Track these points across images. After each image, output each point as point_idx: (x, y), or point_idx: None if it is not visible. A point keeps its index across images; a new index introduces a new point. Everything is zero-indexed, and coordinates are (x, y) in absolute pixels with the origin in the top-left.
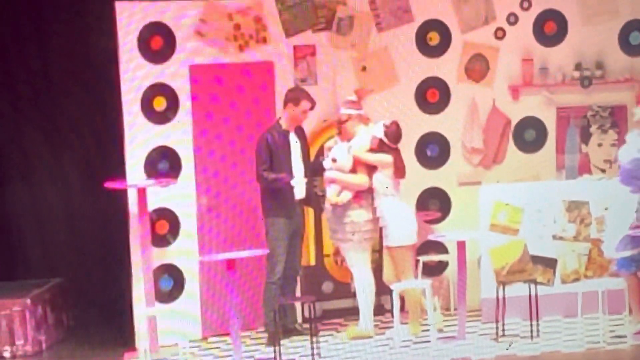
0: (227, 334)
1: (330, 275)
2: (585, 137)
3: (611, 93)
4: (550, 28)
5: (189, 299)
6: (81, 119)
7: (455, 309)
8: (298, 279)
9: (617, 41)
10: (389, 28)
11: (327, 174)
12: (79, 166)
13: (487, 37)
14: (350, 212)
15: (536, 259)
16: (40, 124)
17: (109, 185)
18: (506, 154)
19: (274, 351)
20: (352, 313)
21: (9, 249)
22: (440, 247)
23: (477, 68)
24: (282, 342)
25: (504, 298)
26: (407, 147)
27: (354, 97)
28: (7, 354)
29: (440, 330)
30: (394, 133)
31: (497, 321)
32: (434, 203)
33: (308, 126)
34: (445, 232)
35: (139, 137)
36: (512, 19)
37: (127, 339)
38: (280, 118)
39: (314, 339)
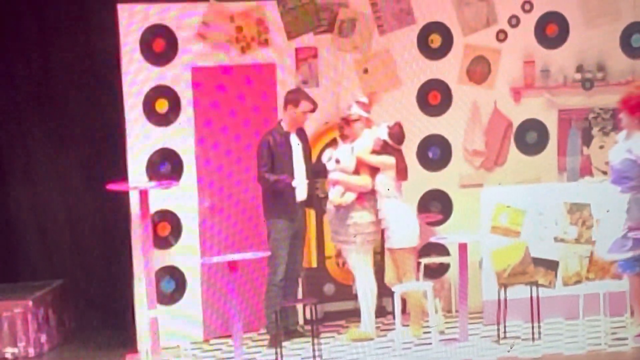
0: (229, 336)
1: (332, 277)
2: (587, 139)
3: (613, 95)
4: (552, 30)
5: (191, 300)
6: (83, 121)
7: (456, 311)
8: (300, 280)
9: (619, 43)
10: (391, 30)
11: (331, 175)
12: (82, 168)
13: (489, 39)
14: (353, 214)
15: (538, 261)
16: (43, 126)
17: (111, 187)
18: (508, 156)
19: (276, 353)
20: (354, 315)
21: (11, 250)
22: (442, 249)
23: (479, 70)
24: (283, 344)
25: (505, 300)
26: (409, 149)
27: (365, 100)
28: (9, 356)
29: (442, 333)
30: (398, 134)
31: (498, 323)
32: (435, 205)
33: (310, 128)
34: (446, 234)
35: (141, 139)
36: (514, 21)
37: (128, 341)
38: (281, 120)
39: (316, 341)
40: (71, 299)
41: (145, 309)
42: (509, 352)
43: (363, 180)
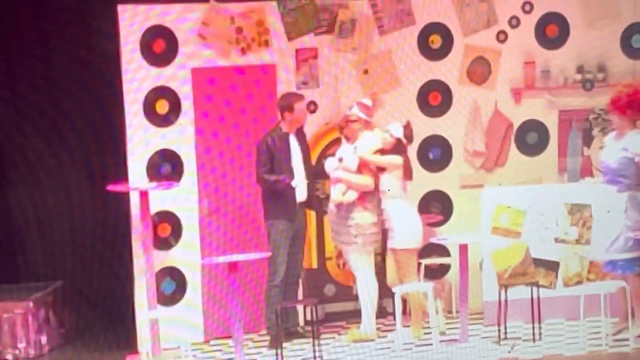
0: (229, 337)
1: (332, 278)
2: (588, 140)
3: None
4: (552, 31)
5: (191, 301)
6: (84, 122)
7: (457, 312)
8: (300, 281)
9: (619, 44)
10: (391, 31)
11: (334, 174)
12: (82, 169)
13: (489, 40)
14: (355, 215)
15: (538, 262)
16: (43, 127)
17: (112, 188)
18: (508, 157)
19: (276, 354)
20: (354, 316)
21: (11, 251)
22: (442, 250)
23: (479, 71)
24: (284, 345)
25: (506, 301)
26: (410, 150)
27: (369, 102)
28: (9, 357)
29: (443, 333)
30: (410, 133)
31: (499, 324)
32: (436, 206)
33: (310, 129)
34: (447, 235)
35: (142, 140)
36: (514, 22)
37: (129, 342)
38: (280, 121)
39: (316, 342)
40: (71, 300)
41: (145, 310)
42: (509, 352)
43: (366, 180)
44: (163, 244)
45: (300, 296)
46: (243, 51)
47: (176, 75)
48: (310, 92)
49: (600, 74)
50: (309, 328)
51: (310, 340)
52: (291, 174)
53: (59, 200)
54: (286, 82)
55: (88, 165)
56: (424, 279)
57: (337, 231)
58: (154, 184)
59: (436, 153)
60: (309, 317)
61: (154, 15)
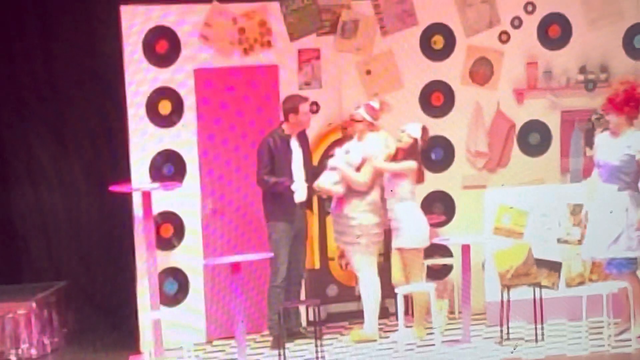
0: (232, 337)
1: (335, 279)
2: (590, 140)
3: None
4: (555, 31)
5: (194, 302)
6: (86, 123)
7: (459, 313)
8: (302, 282)
9: (622, 44)
10: (393, 32)
11: (333, 161)
12: (84, 170)
13: (492, 40)
14: (358, 215)
15: (541, 263)
16: (46, 128)
17: (114, 188)
18: (510, 158)
19: (279, 354)
20: (357, 316)
21: (14, 252)
22: (445, 251)
23: (482, 71)
24: (286, 345)
25: (508, 301)
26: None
27: (377, 105)
28: (12, 357)
29: (441, 334)
30: (427, 138)
31: (501, 324)
32: (438, 206)
33: (312, 129)
34: (449, 235)
35: (144, 140)
36: (517, 23)
37: (131, 343)
38: (283, 122)
39: (319, 342)
40: (74, 301)
41: (148, 310)
42: (512, 353)
43: (360, 177)
44: (166, 244)
45: (302, 296)
46: (245, 52)
47: (179, 76)
48: (313, 92)
49: (603, 74)
50: (311, 328)
51: (313, 340)
52: (291, 176)
53: (62, 200)
54: (288, 82)
55: (91, 166)
56: (427, 279)
57: (340, 231)
58: (157, 184)
59: (438, 153)
60: (311, 318)
61: (157, 15)
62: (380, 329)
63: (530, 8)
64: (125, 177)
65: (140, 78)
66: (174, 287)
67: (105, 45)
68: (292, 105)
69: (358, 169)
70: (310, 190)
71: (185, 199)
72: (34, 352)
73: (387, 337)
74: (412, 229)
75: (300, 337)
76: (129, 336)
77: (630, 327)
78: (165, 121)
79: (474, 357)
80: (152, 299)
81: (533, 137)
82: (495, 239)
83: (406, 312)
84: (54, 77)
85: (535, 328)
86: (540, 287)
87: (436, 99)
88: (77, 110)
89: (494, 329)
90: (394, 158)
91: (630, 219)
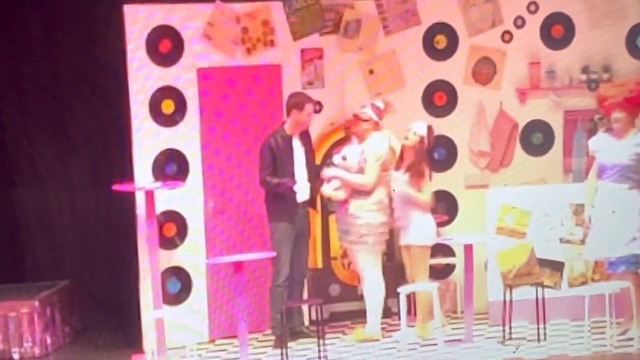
0: (235, 337)
1: (337, 278)
2: None
3: None
4: (558, 31)
5: (196, 301)
6: (89, 122)
7: (462, 312)
8: (305, 281)
9: (625, 44)
10: (396, 31)
11: (331, 171)
12: (87, 169)
13: (494, 40)
14: (364, 214)
15: (543, 262)
16: (49, 127)
17: (117, 188)
18: (513, 157)
19: (281, 354)
20: (359, 316)
21: (17, 251)
22: (447, 250)
23: (484, 71)
24: (289, 344)
25: (510, 301)
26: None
27: (381, 105)
28: (15, 356)
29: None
30: (432, 137)
31: (504, 324)
32: (440, 206)
33: (315, 129)
34: (452, 235)
35: (147, 139)
36: (519, 22)
37: (134, 342)
38: (285, 122)
39: (321, 342)
40: (77, 300)
41: (151, 309)
42: (514, 353)
43: (363, 179)
44: (168, 243)
45: (305, 296)
46: (248, 51)
47: (182, 75)
48: (315, 92)
49: (606, 74)
50: (314, 328)
51: (315, 340)
52: (293, 176)
53: (65, 199)
54: (291, 82)
55: (94, 164)
56: (429, 279)
57: (345, 230)
58: (160, 183)
59: (441, 153)
60: (314, 317)
61: (160, 15)
62: (382, 329)
63: (533, 8)
64: (128, 176)
65: (143, 77)
66: (177, 286)
67: (108, 45)
68: (298, 101)
69: (359, 171)
70: (313, 190)
71: (188, 198)
72: (37, 350)
73: (390, 337)
74: (419, 226)
75: (302, 336)
76: (131, 335)
77: (632, 327)
78: (168, 120)
79: (476, 357)
80: (155, 298)
81: (536, 137)
82: (497, 239)
83: (409, 312)
84: (56, 76)
85: (538, 328)
86: (543, 287)
87: (439, 98)
88: (80, 109)
89: (497, 329)
90: (400, 157)
91: None
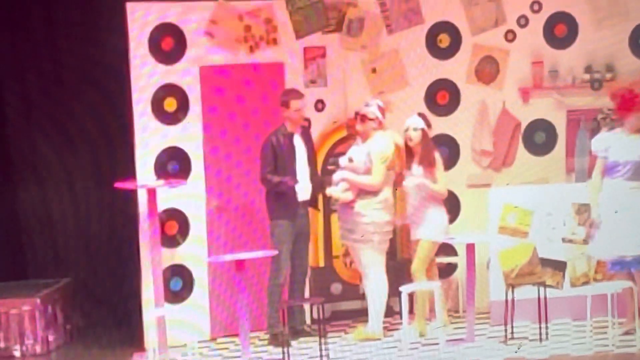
0: (236, 335)
1: (339, 277)
2: None
3: None
4: (561, 30)
5: (198, 299)
6: (92, 120)
7: (464, 311)
8: (306, 280)
9: (628, 44)
10: (399, 30)
11: (338, 174)
12: (89, 167)
13: (498, 39)
14: (370, 212)
15: (545, 262)
16: (51, 125)
17: (119, 185)
18: (516, 157)
19: (283, 352)
20: (361, 314)
21: (19, 248)
22: (450, 249)
23: (487, 70)
24: (290, 343)
25: (512, 301)
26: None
27: (382, 104)
28: (16, 353)
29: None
30: (428, 120)
31: (506, 324)
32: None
33: (317, 128)
34: (454, 234)
35: (149, 137)
36: (523, 22)
37: (136, 340)
38: (285, 120)
39: (323, 341)
40: (79, 297)
41: (152, 307)
42: (516, 352)
43: (371, 180)
44: (170, 241)
45: (307, 295)
46: (251, 49)
47: (184, 73)
48: (318, 90)
49: (609, 73)
50: (315, 327)
51: (317, 338)
52: (294, 175)
53: (67, 197)
54: (294, 80)
55: (96, 162)
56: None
57: (350, 229)
58: (162, 181)
59: (444, 152)
60: (315, 316)
61: (163, 13)
62: (384, 327)
63: (536, 7)
64: (130, 174)
65: (145, 75)
66: (178, 284)
67: (111, 43)
68: (283, 99)
69: (366, 171)
70: (315, 189)
71: (190, 196)
72: (38, 348)
73: (392, 336)
74: (430, 222)
75: (304, 335)
76: (133, 333)
77: (635, 327)
78: (171, 118)
79: (478, 356)
80: (157, 296)
81: (538, 136)
82: (500, 238)
83: (410, 311)
84: (59, 74)
85: (540, 327)
86: (545, 286)
87: (442, 97)
88: (82, 107)
89: (498, 328)
90: (409, 154)
91: None
